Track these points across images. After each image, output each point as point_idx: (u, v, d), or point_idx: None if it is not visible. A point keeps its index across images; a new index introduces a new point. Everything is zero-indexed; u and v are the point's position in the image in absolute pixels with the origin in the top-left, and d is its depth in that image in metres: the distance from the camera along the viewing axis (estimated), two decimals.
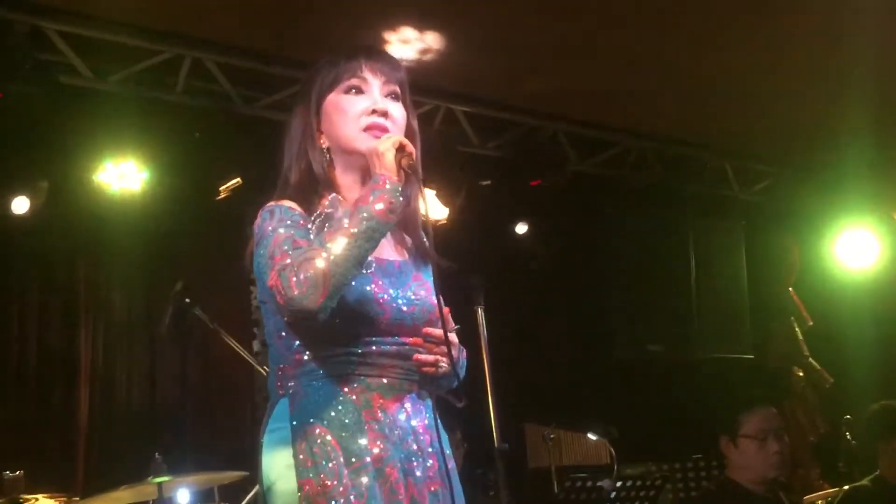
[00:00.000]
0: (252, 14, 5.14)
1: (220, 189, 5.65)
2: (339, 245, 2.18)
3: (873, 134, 6.48)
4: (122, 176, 5.46)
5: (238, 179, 5.62)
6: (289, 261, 2.20)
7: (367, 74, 2.43)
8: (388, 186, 2.25)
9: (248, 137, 5.68)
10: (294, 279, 2.16)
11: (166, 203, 5.69)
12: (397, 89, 2.46)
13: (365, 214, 2.21)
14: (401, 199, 2.27)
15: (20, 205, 5.29)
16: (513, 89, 6.22)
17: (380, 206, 2.23)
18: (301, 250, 2.22)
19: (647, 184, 7.08)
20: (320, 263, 2.16)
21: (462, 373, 2.46)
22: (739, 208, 7.59)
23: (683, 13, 5.31)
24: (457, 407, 2.44)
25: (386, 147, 2.29)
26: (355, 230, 2.20)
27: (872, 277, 7.61)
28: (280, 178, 2.47)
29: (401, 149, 2.30)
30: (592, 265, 7.19)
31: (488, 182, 6.56)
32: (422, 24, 5.27)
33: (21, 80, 4.88)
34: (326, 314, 2.19)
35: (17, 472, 4.07)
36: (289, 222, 2.30)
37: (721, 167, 7.45)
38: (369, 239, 2.21)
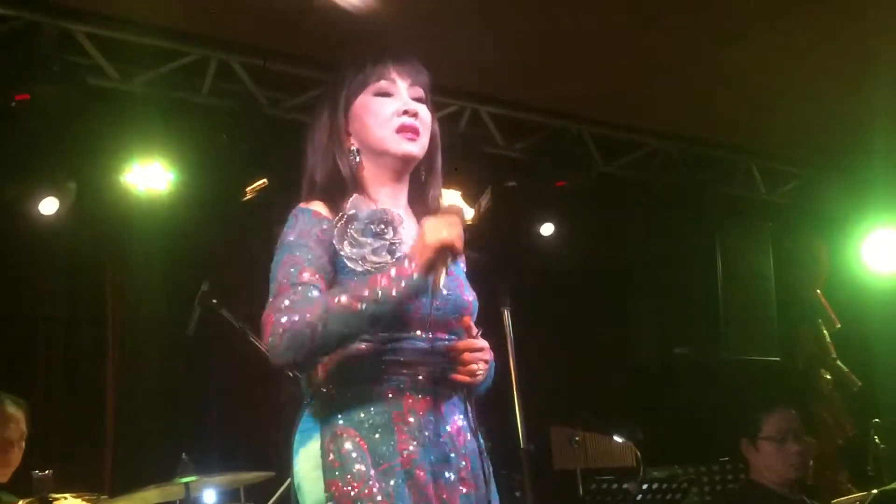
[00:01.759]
0: (278, 16, 5.16)
1: (247, 190, 5.66)
2: (339, 316, 2.17)
3: None
4: (149, 177, 5.48)
5: (264, 181, 5.63)
6: (288, 301, 2.20)
7: (395, 77, 2.44)
8: (412, 279, 2.19)
9: (275, 139, 5.69)
10: (283, 330, 2.17)
11: (192, 204, 5.71)
12: (422, 93, 2.47)
13: (379, 296, 2.17)
14: (420, 292, 2.22)
15: (49, 206, 5.32)
16: (538, 91, 6.21)
17: (394, 295, 2.18)
18: (304, 297, 2.20)
19: (673, 185, 7.05)
20: (313, 326, 2.16)
21: (492, 373, 2.45)
22: (767, 210, 7.54)
23: (710, 14, 5.29)
24: (482, 405, 2.44)
25: (432, 241, 2.20)
26: (361, 308, 2.17)
27: None
28: (305, 180, 2.47)
29: (447, 249, 2.21)
30: (618, 267, 7.17)
31: (513, 183, 6.55)
32: (448, 26, 5.27)
33: (49, 82, 4.92)
34: (299, 371, 2.26)
35: (46, 472, 4.10)
36: (306, 240, 2.29)
37: (748, 168, 7.41)
38: (372, 323, 2.20)
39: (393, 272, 2.20)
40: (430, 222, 2.24)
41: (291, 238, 2.30)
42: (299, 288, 2.22)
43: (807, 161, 7.42)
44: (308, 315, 2.16)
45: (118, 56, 5.33)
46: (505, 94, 6.26)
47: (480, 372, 2.35)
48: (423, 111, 2.44)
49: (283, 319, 2.17)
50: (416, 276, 2.19)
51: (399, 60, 2.47)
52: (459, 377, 2.32)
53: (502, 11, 5.20)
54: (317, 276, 2.25)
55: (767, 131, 6.81)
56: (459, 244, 2.24)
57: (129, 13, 5.14)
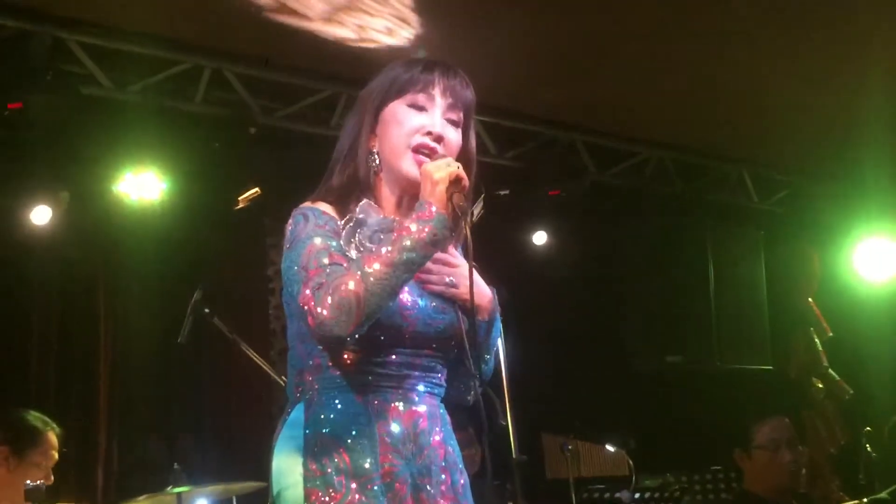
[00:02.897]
0: (272, 25, 5.16)
1: (239, 199, 5.67)
2: (376, 273, 2.15)
3: (893, 143, 6.45)
4: (142, 186, 5.48)
5: (257, 189, 5.64)
6: (323, 280, 2.17)
7: (437, 93, 2.37)
8: (434, 217, 2.19)
9: (267, 148, 5.70)
10: (327, 302, 2.14)
11: (185, 213, 5.71)
12: (461, 115, 2.41)
13: (407, 244, 2.17)
14: (446, 231, 2.21)
15: (41, 215, 5.32)
16: (531, 99, 6.22)
17: (422, 237, 2.18)
18: (337, 270, 2.18)
19: (665, 194, 7.06)
20: (355, 289, 2.13)
21: (494, 320, 2.42)
22: (758, 218, 7.55)
23: (702, 23, 5.31)
24: (468, 406, 2.43)
25: (441, 176, 2.22)
26: (395, 259, 2.16)
27: (892, 287, 7.56)
28: (326, 173, 2.45)
29: (456, 181, 2.23)
30: (611, 275, 7.18)
31: (506, 192, 6.56)
32: (439, 35, 5.28)
33: (42, 91, 4.91)
34: (354, 340, 2.19)
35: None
36: (324, 231, 2.27)
37: (740, 177, 7.43)
38: (408, 270, 2.18)
39: (414, 219, 2.20)
40: (428, 165, 2.27)
41: (308, 230, 2.27)
42: (329, 268, 2.20)
43: (798, 170, 7.44)
44: (348, 283, 2.14)
45: (111, 65, 5.33)
46: (497, 103, 6.25)
47: (452, 282, 2.33)
48: (451, 135, 2.37)
49: (325, 294, 2.15)
50: (436, 212, 2.20)
51: (447, 76, 2.40)
52: (434, 287, 2.32)
53: (494, 21, 5.21)
54: (344, 260, 2.23)
55: (759, 140, 6.83)
56: (465, 176, 2.26)
57: (123, 22, 5.13)
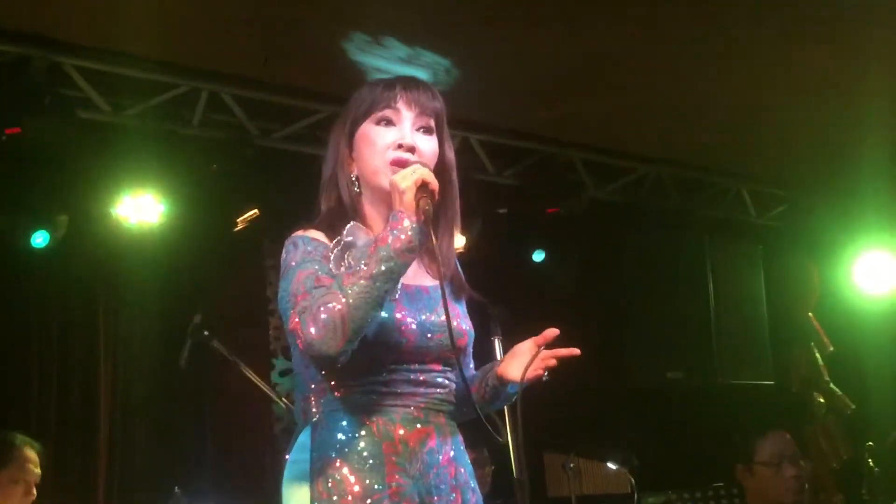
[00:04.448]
0: (268, 47, 5.17)
1: (238, 221, 5.67)
2: (357, 288, 2.16)
3: (891, 157, 6.46)
4: (140, 209, 5.48)
5: (255, 211, 5.64)
6: (307, 303, 2.18)
7: (402, 106, 2.39)
8: (405, 225, 2.21)
9: (265, 169, 5.70)
10: (312, 324, 2.15)
11: (184, 235, 5.71)
12: (431, 122, 2.42)
13: (383, 254, 2.19)
14: (419, 237, 2.22)
15: (40, 238, 5.32)
16: (528, 117, 6.22)
17: (398, 245, 2.19)
18: (321, 291, 2.19)
19: (663, 210, 7.06)
20: (338, 307, 2.15)
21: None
22: (757, 233, 7.56)
23: (699, 39, 5.32)
24: (480, 427, 2.44)
25: (407, 185, 2.24)
26: (374, 272, 2.17)
27: (893, 301, 7.56)
28: (315, 204, 2.47)
29: (423, 187, 2.24)
30: (610, 292, 7.17)
31: (504, 210, 6.56)
32: (438, 54, 5.29)
33: (40, 116, 4.92)
34: (347, 357, 2.19)
35: None
36: (313, 257, 2.28)
37: (738, 192, 7.44)
38: (388, 280, 2.19)
39: (387, 230, 2.21)
40: (394, 177, 2.27)
41: (298, 258, 2.29)
42: (315, 291, 2.21)
43: (796, 184, 7.44)
44: (331, 304, 2.16)
45: (109, 89, 5.34)
46: (494, 121, 6.27)
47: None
48: (425, 144, 2.39)
49: (310, 317, 2.16)
50: (406, 220, 2.21)
51: (409, 88, 2.42)
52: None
53: (490, 39, 5.22)
54: (331, 281, 2.24)
55: (756, 155, 6.84)
56: (432, 178, 2.26)
57: (120, 46, 5.15)
